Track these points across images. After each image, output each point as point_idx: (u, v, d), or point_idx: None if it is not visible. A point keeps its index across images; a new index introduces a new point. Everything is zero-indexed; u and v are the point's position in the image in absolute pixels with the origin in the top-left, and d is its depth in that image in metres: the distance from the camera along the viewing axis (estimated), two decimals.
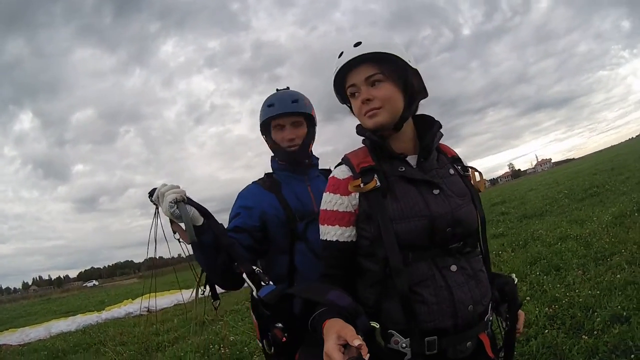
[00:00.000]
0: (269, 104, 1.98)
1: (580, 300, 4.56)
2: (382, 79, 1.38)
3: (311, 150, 2.08)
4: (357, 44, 1.36)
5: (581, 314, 4.23)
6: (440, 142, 1.53)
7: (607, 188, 13.76)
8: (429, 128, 1.46)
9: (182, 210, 1.44)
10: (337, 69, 1.41)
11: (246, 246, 1.74)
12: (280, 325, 1.61)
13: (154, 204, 1.54)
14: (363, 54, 1.35)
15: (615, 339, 3.52)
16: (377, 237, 1.33)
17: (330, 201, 1.44)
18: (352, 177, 1.41)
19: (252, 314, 1.92)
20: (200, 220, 1.50)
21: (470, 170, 1.55)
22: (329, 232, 1.43)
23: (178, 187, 1.49)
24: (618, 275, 5.00)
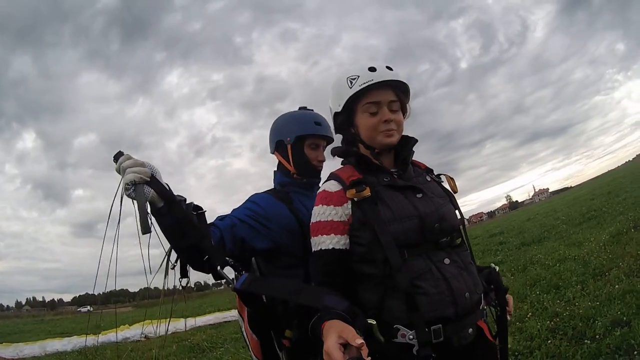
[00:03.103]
0: (316, 122, 2.09)
1: (581, 312, 4.87)
2: (398, 108, 1.65)
3: None
4: (389, 68, 1.62)
5: (582, 324, 4.53)
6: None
7: (604, 211, 14.24)
8: (405, 145, 1.70)
9: (138, 194, 1.43)
10: (372, 82, 1.57)
11: (240, 238, 1.80)
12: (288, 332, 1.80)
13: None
14: (396, 80, 1.62)
15: (618, 340, 3.83)
16: (374, 241, 1.48)
17: (323, 212, 1.58)
18: (343, 189, 1.58)
19: (248, 334, 1.99)
20: (161, 203, 1.50)
21: (442, 176, 1.81)
22: (324, 242, 1.56)
23: (143, 164, 1.47)
24: (617, 286, 5.35)
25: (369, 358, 1.12)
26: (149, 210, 1.47)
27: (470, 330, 1.49)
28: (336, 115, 1.71)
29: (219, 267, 1.59)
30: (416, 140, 1.72)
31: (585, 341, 4.07)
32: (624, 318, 4.26)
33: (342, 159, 1.79)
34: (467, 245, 1.68)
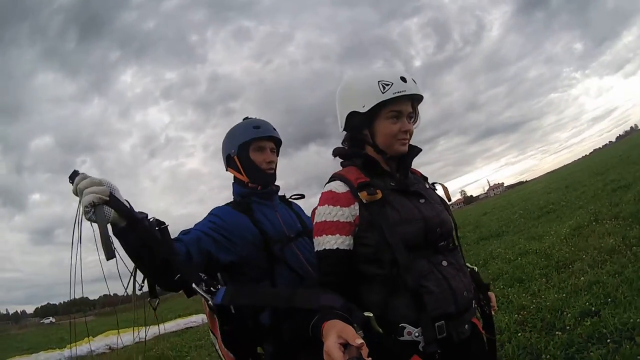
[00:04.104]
0: (254, 126, 2.20)
1: (548, 304, 5.06)
2: (413, 118, 1.80)
3: None
4: (413, 80, 1.72)
5: (550, 316, 4.72)
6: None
7: (562, 205, 14.78)
8: (409, 153, 1.80)
9: (99, 216, 1.41)
10: (404, 93, 1.68)
11: (206, 251, 1.86)
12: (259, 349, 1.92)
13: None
14: (419, 95, 1.75)
15: (589, 329, 4.01)
16: (382, 242, 1.59)
17: (329, 213, 1.67)
18: (350, 191, 1.67)
19: (223, 352, 2.02)
20: (123, 223, 1.49)
21: (436, 185, 1.96)
22: (329, 241, 1.65)
23: (100, 182, 1.45)
24: (582, 278, 5.60)
25: (369, 358, 1.18)
26: (111, 232, 1.46)
27: (467, 326, 1.65)
28: (354, 114, 1.75)
29: (194, 284, 1.63)
30: (420, 150, 1.84)
31: (556, 332, 4.23)
32: (593, 308, 4.45)
33: (341, 160, 1.89)
34: (460, 249, 1.82)
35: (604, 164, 26.01)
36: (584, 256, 6.68)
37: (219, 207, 2.14)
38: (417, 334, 1.54)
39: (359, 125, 1.78)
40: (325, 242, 1.66)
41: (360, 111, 1.71)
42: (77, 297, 1.54)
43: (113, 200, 1.45)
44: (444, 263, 1.65)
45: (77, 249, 1.49)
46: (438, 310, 1.56)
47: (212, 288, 1.64)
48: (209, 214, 2.07)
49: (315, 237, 1.71)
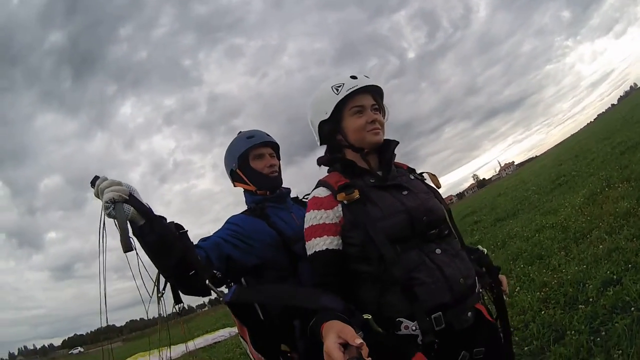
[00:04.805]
0: (248, 136, 2.29)
1: (569, 277, 5.02)
2: (379, 109, 1.86)
3: None
4: (366, 76, 1.82)
5: (573, 289, 4.66)
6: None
7: (573, 175, 14.74)
8: (387, 148, 1.86)
9: (119, 212, 1.48)
10: (357, 87, 1.77)
11: (226, 256, 1.93)
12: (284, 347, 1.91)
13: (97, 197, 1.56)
14: (375, 85, 1.83)
15: (612, 299, 3.95)
16: (367, 240, 1.61)
17: (315, 217, 1.73)
18: (332, 194, 1.73)
19: (254, 355, 2.02)
20: (141, 221, 1.58)
21: (424, 174, 2.00)
22: (319, 244, 1.69)
23: (120, 183, 1.55)
24: (600, 246, 5.55)
25: (369, 358, 1.19)
26: (129, 227, 1.53)
27: (469, 313, 1.63)
28: (322, 124, 1.87)
29: (207, 281, 1.69)
30: (397, 143, 1.89)
31: (580, 306, 4.19)
32: (614, 277, 4.41)
33: (327, 167, 1.95)
34: (456, 234, 1.82)
35: (609, 127, 25.94)
36: (601, 224, 6.64)
37: (235, 215, 2.20)
38: (414, 328, 1.54)
39: (330, 132, 1.87)
40: (315, 245, 1.71)
41: (326, 118, 1.82)
42: (103, 325, 1.59)
43: (132, 199, 1.55)
44: (438, 251, 1.65)
45: (104, 253, 1.58)
46: (432, 301, 1.55)
47: (225, 287, 1.76)
48: (226, 222, 2.14)
49: (306, 243, 1.75)
